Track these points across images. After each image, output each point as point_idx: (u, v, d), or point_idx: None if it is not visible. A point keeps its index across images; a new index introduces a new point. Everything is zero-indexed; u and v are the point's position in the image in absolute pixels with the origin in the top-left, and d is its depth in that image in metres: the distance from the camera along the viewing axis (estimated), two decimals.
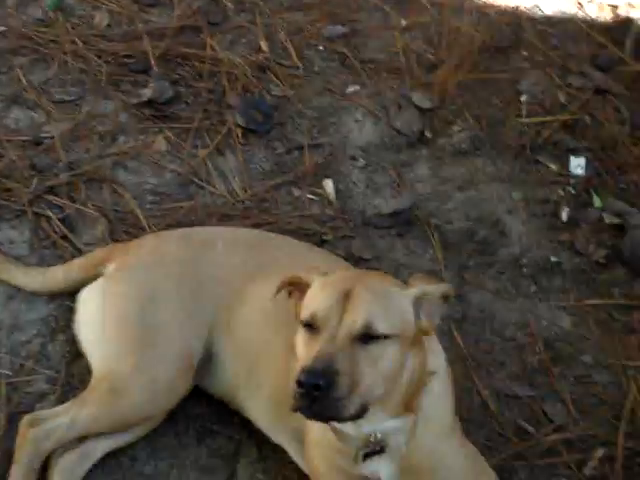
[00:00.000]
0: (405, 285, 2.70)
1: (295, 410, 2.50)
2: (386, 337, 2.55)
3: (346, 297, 2.57)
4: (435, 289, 2.67)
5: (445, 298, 2.70)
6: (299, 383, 2.43)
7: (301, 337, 2.62)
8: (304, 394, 2.44)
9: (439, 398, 2.79)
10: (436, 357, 2.78)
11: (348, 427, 2.68)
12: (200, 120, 4.12)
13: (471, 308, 3.66)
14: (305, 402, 2.45)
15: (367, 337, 2.53)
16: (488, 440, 3.27)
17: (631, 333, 3.63)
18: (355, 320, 2.54)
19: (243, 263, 3.19)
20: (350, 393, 2.47)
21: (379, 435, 2.71)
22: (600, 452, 3.27)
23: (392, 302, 2.60)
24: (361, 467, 2.78)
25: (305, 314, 2.61)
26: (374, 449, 2.75)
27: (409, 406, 2.69)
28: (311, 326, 2.58)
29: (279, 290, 2.76)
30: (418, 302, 2.63)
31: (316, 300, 2.62)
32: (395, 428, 2.71)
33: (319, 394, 2.43)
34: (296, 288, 2.75)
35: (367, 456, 2.76)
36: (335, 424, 2.68)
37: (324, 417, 2.54)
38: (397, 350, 2.57)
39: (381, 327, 2.54)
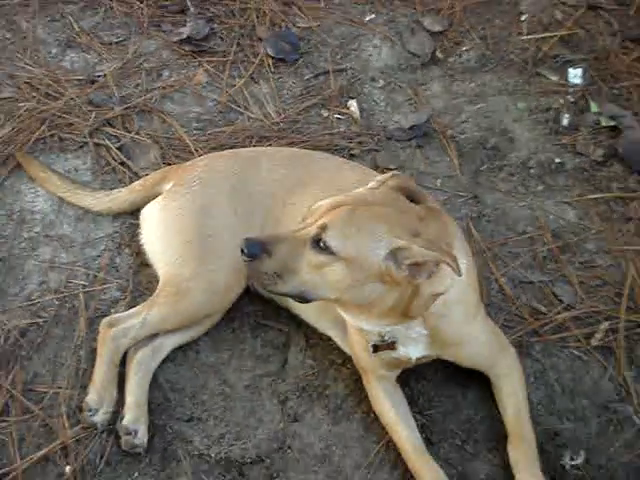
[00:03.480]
0: (410, 235, 2.54)
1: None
2: (334, 254, 2.51)
3: (334, 209, 2.57)
4: (421, 253, 2.50)
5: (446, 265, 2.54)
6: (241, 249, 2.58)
7: None
8: (244, 259, 2.57)
9: (457, 301, 2.79)
10: (452, 275, 2.61)
11: (357, 323, 2.76)
12: (235, 53, 4.13)
13: (486, 207, 3.66)
14: (246, 267, 2.60)
15: (318, 245, 2.52)
16: (507, 321, 3.31)
17: (628, 221, 3.61)
18: (317, 225, 2.54)
19: (285, 177, 3.22)
20: (279, 274, 2.53)
21: (383, 332, 2.78)
22: (605, 325, 3.29)
23: (362, 234, 2.53)
24: (382, 353, 2.88)
25: None
26: (384, 342, 2.83)
27: (407, 316, 2.68)
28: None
29: None
30: (397, 252, 2.52)
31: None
32: (398, 330, 2.77)
33: (248, 261, 2.55)
34: None
35: (377, 347, 2.85)
36: (349, 319, 2.78)
37: (258, 283, 2.64)
38: (342, 271, 2.53)
39: (332, 242, 2.51)
